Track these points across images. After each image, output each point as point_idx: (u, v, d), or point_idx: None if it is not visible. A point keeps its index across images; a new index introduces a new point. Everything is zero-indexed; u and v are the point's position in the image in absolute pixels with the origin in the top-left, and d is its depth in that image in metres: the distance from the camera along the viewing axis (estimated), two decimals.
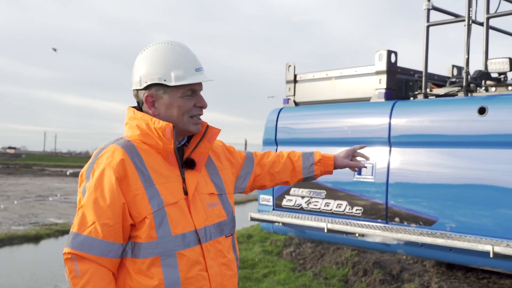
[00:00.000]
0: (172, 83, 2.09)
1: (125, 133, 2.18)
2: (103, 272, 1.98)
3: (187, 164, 2.15)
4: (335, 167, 2.74)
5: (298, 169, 2.69)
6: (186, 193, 2.11)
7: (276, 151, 4.18)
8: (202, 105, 2.19)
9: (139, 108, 2.18)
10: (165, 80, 2.09)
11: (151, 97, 2.11)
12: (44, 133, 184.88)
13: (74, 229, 2.00)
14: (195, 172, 2.16)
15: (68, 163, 62.35)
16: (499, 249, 3.93)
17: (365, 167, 2.83)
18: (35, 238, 12.96)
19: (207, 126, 2.24)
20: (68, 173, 40.03)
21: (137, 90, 2.14)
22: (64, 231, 13.73)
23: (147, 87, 2.11)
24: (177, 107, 2.12)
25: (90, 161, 2.10)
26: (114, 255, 2.00)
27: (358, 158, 2.81)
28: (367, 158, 2.84)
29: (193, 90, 2.15)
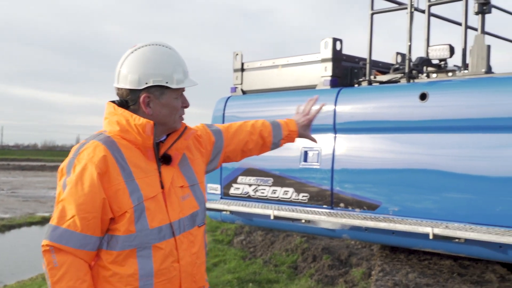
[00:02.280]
0: (174, 86, 2.19)
1: (103, 128, 2.22)
2: (80, 263, 2.04)
3: (164, 159, 2.23)
4: (298, 137, 2.92)
5: (268, 144, 2.81)
6: (162, 186, 2.19)
7: None
8: (187, 105, 2.31)
9: (120, 103, 2.21)
10: (167, 82, 2.17)
11: (148, 97, 2.17)
12: None
13: (53, 222, 2.05)
14: (171, 167, 2.24)
15: (15, 156, 60.83)
16: (438, 230, 4.04)
17: (316, 141, 3.02)
18: None
19: (186, 126, 2.35)
20: None
21: (131, 89, 2.16)
22: (10, 226, 13.44)
23: (147, 88, 2.15)
24: (171, 107, 2.22)
25: (70, 156, 2.15)
26: (91, 248, 2.07)
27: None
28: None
29: (182, 91, 2.27)
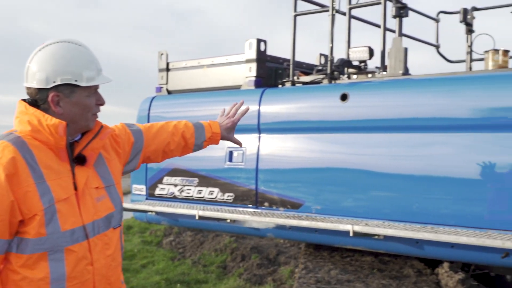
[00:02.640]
0: (84, 84, 2.12)
1: (15, 127, 2.13)
2: None
3: (78, 160, 2.16)
4: (221, 139, 2.90)
5: (190, 146, 2.78)
6: (76, 188, 2.12)
7: None
8: (102, 103, 2.24)
9: (31, 102, 2.13)
10: (76, 81, 2.10)
11: (57, 96, 2.09)
12: None
13: None
14: (85, 168, 2.18)
15: None
16: (358, 228, 4.14)
17: (241, 145, 2.97)
18: None
19: (102, 125, 2.28)
20: None
21: (39, 88, 2.08)
22: None
23: (55, 86, 2.08)
24: (82, 106, 2.14)
25: None
26: None
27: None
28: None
29: (96, 89, 2.20)
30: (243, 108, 2.98)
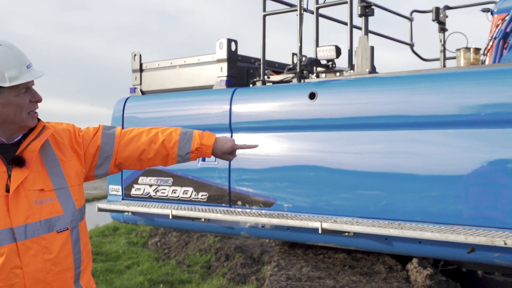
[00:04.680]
0: (7, 84, 2.08)
1: None
2: None
3: (15, 161, 2.13)
4: (213, 155, 2.69)
5: (172, 156, 2.60)
6: (7, 190, 2.10)
7: None
8: (37, 100, 2.21)
9: None
10: None
11: None
12: None
13: None
14: (24, 169, 2.15)
15: None
16: (326, 225, 4.17)
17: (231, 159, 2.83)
18: None
19: (44, 126, 2.25)
20: None
21: None
22: None
23: None
24: (13, 106, 2.12)
25: None
26: None
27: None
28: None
29: (27, 87, 2.16)
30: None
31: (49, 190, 2.22)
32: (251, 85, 5.11)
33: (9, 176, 2.12)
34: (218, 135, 2.79)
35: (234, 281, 7.61)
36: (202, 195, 5.10)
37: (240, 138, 4.89)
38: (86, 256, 2.35)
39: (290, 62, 5.83)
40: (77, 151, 2.42)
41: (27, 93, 2.18)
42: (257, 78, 5.06)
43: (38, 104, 2.25)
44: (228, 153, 2.72)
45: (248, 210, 4.79)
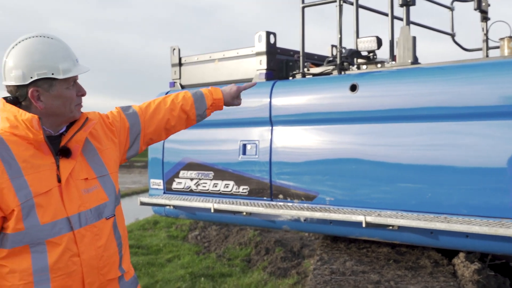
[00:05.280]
0: (61, 76, 2.13)
1: None
2: None
3: (62, 152, 2.18)
4: (224, 105, 2.86)
5: (192, 117, 2.76)
6: (59, 180, 2.14)
7: None
8: (82, 93, 2.26)
9: (12, 99, 2.16)
10: (53, 74, 2.11)
11: (36, 91, 2.11)
12: None
13: None
14: (71, 160, 2.19)
15: None
16: (370, 219, 4.12)
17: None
18: None
19: (87, 117, 2.29)
20: None
21: (18, 85, 2.10)
22: None
23: (33, 82, 2.10)
24: (63, 98, 2.16)
25: None
26: None
27: None
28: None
29: (75, 80, 2.21)
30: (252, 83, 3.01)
31: (93, 179, 2.26)
32: (290, 78, 5.07)
33: (58, 167, 2.16)
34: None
35: (274, 275, 7.59)
36: (243, 189, 5.09)
37: (281, 131, 4.86)
38: (124, 240, 2.40)
39: (329, 54, 5.77)
40: (112, 139, 2.47)
41: (74, 87, 2.22)
42: (297, 71, 5.01)
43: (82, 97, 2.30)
44: (236, 98, 2.88)
45: (289, 204, 4.76)
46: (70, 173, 2.18)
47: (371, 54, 4.61)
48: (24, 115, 2.07)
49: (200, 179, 5.40)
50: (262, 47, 5.04)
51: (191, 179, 5.47)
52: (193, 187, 5.45)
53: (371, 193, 4.36)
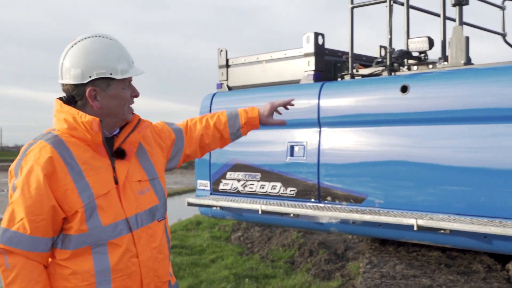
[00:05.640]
0: (119, 76, 2.15)
1: (53, 125, 2.18)
2: (33, 265, 2.03)
3: (117, 154, 2.20)
4: (261, 124, 2.82)
5: (226, 136, 2.76)
6: (116, 182, 2.16)
7: None
8: (136, 95, 2.27)
9: (67, 99, 2.17)
10: (111, 74, 2.13)
11: (94, 91, 2.13)
12: None
13: (3, 224, 2.04)
14: (125, 161, 2.21)
15: (15, 157, 60.79)
16: (422, 222, 4.05)
17: (285, 123, 2.87)
18: None
19: (139, 119, 2.30)
20: None
21: (75, 84, 2.12)
22: None
23: (91, 81, 2.11)
24: (119, 98, 2.18)
25: (18, 157, 2.13)
26: (42, 250, 2.05)
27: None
28: (287, 109, 2.89)
29: (130, 81, 2.23)
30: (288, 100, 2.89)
31: (145, 181, 2.27)
32: (339, 79, 5.03)
33: (113, 169, 2.17)
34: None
35: (318, 277, 7.53)
36: (290, 191, 5.07)
37: (329, 133, 4.83)
38: (169, 243, 2.43)
39: (377, 55, 5.70)
40: (160, 144, 2.49)
41: (129, 87, 2.23)
42: (346, 72, 4.97)
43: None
44: (271, 115, 2.82)
45: (338, 206, 4.72)
46: (126, 175, 2.19)
47: (422, 54, 4.54)
48: (85, 117, 2.08)
49: (247, 180, 5.40)
50: (311, 48, 5.01)
51: (238, 180, 5.48)
52: (240, 188, 5.45)
53: (422, 196, 4.29)
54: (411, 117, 4.34)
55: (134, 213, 2.17)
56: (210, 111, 5.66)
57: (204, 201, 5.57)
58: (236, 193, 5.49)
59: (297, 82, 5.18)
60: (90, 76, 2.11)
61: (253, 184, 5.35)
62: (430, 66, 4.48)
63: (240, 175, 5.46)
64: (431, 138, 4.26)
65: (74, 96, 2.15)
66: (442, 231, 4.05)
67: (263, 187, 5.28)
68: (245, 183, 5.42)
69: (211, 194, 5.71)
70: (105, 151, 2.16)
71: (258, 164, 5.32)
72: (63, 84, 2.17)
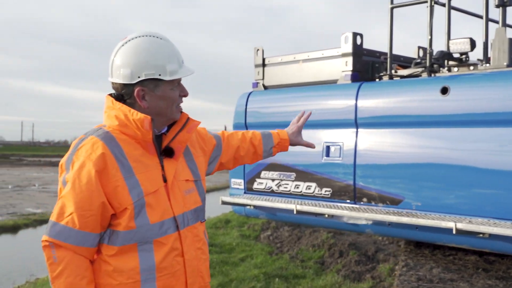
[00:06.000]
0: (168, 78, 2.14)
1: (103, 122, 2.19)
2: (80, 259, 2.04)
3: (166, 152, 2.20)
4: (291, 145, 2.91)
5: (259, 152, 2.80)
6: (165, 180, 2.16)
7: None
8: (185, 94, 2.26)
9: (116, 96, 2.18)
10: (160, 75, 2.13)
11: (142, 91, 2.13)
12: (21, 123, 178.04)
13: (53, 218, 2.05)
14: (173, 160, 2.21)
15: (46, 153, 61.83)
16: (461, 225, 4.00)
17: (314, 146, 2.94)
18: (12, 228, 12.91)
19: (188, 117, 2.30)
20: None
21: (124, 83, 2.12)
22: (42, 221, 13.66)
23: (140, 81, 2.11)
24: (167, 99, 2.17)
25: (69, 152, 2.13)
26: (90, 245, 2.06)
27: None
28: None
29: (179, 81, 2.22)
30: (306, 115, 2.96)
31: (191, 181, 2.29)
32: (377, 80, 4.99)
33: (162, 167, 2.17)
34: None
35: (349, 278, 7.49)
36: (325, 191, 5.05)
37: (366, 133, 4.80)
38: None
39: (415, 56, 5.65)
40: (203, 147, 2.50)
41: (178, 87, 2.23)
42: (384, 73, 4.93)
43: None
44: (300, 135, 2.91)
45: (374, 207, 4.69)
46: (174, 173, 2.20)
47: (463, 56, 4.48)
48: (136, 115, 2.08)
49: (281, 180, 5.40)
50: (349, 48, 4.99)
51: (273, 180, 5.48)
52: (274, 188, 5.45)
53: (460, 199, 4.24)
54: (451, 119, 4.29)
55: (181, 212, 2.18)
56: (246, 109, 5.67)
57: (238, 199, 5.58)
58: (270, 193, 5.48)
59: (334, 82, 5.15)
60: (139, 77, 2.11)
61: (287, 184, 5.35)
62: (471, 67, 4.42)
63: (274, 174, 5.45)
64: (471, 141, 4.20)
65: (123, 95, 2.16)
66: (481, 235, 4.00)
67: (297, 187, 5.27)
68: (279, 182, 5.41)
69: (245, 193, 5.72)
70: (154, 149, 2.17)
71: (293, 164, 5.31)
72: (112, 83, 2.18)
